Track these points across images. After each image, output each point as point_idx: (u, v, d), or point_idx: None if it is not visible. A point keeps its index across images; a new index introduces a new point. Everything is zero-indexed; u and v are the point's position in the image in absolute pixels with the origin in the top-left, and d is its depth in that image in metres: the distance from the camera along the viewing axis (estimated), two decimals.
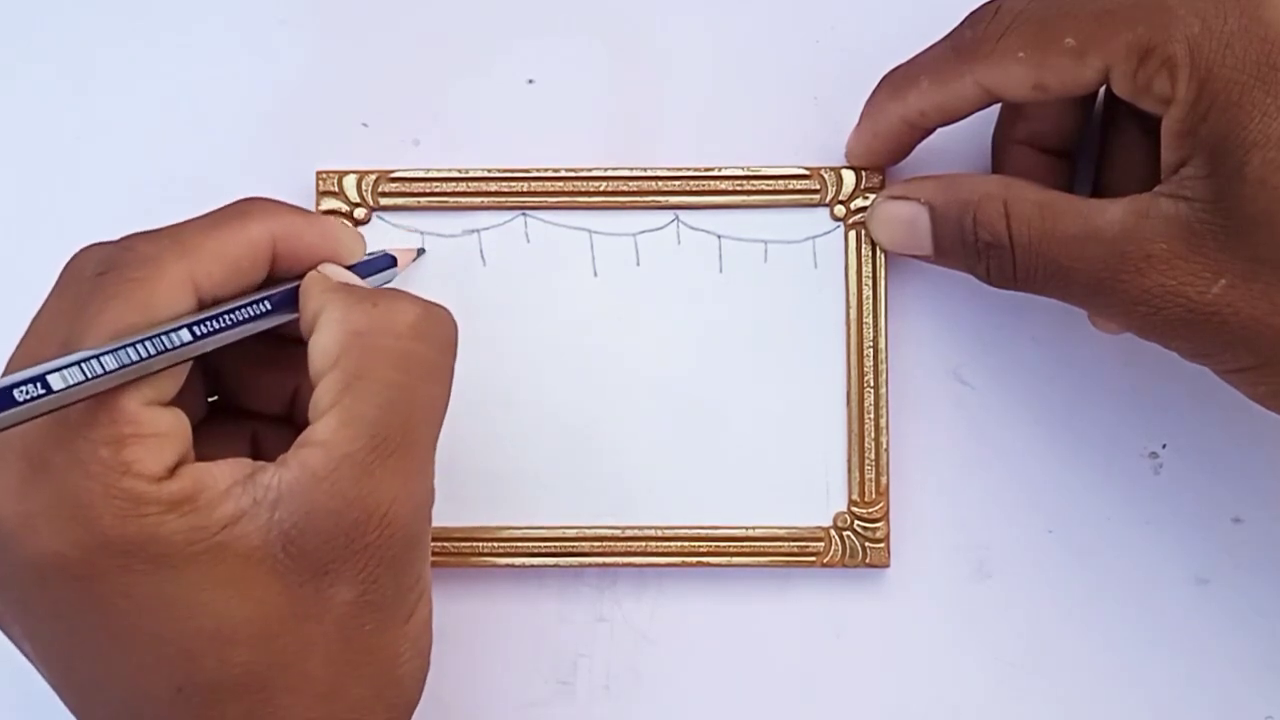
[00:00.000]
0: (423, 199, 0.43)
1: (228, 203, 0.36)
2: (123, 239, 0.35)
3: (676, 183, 0.43)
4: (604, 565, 0.43)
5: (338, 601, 0.33)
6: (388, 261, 0.40)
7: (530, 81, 0.44)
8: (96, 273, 0.33)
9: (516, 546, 0.43)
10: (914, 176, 0.42)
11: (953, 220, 0.39)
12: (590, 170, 0.43)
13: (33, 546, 0.32)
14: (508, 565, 0.43)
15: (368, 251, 0.40)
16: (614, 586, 0.43)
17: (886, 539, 0.43)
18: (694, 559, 0.43)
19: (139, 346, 0.32)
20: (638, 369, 0.43)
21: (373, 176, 0.43)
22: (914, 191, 0.41)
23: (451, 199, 0.43)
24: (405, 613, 0.35)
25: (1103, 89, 0.38)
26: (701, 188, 0.43)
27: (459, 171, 0.43)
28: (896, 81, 0.40)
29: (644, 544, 0.43)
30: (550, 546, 0.43)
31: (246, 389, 0.39)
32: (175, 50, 0.44)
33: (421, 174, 0.43)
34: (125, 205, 0.44)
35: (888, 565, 0.43)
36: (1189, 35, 0.35)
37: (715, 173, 0.43)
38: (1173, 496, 0.43)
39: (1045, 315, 0.43)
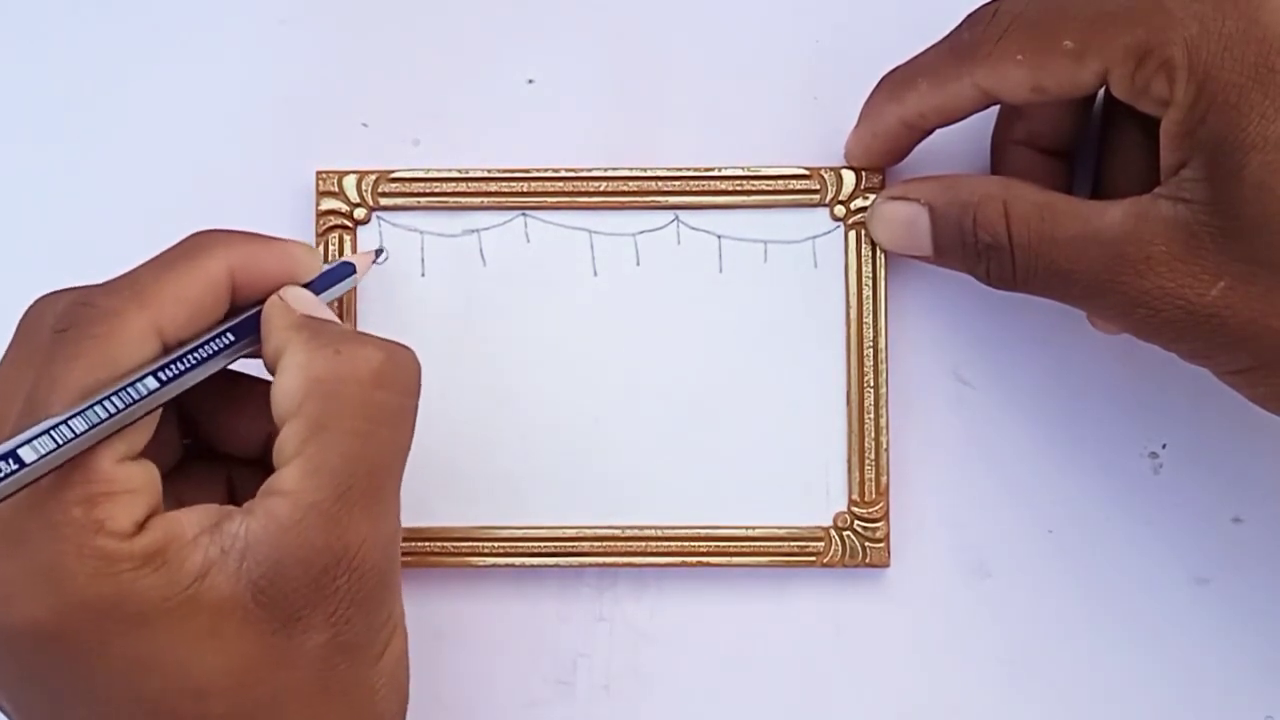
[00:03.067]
0: (423, 199, 0.43)
1: (179, 240, 0.36)
2: (80, 292, 0.34)
3: (676, 183, 0.43)
4: (604, 565, 0.43)
5: (311, 646, 0.33)
6: (348, 270, 0.40)
7: (530, 81, 0.44)
8: (56, 329, 0.33)
9: (517, 546, 0.43)
10: (914, 177, 0.42)
11: (952, 221, 0.39)
12: (590, 170, 0.43)
13: (8, 615, 0.32)
14: (508, 565, 0.43)
15: (326, 262, 0.40)
16: (614, 586, 0.43)
17: (886, 539, 0.43)
18: (694, 559, 0.43)
19: (107, 403, 0.32)
20: (638, 369, 0.43)
21: (373, 176, 0.43)
22: (914, 192, 0.41)
23: (451, 199, 0.43)
24: (378, 650, 0.35)
25: (1102, 90, 0.38)
26: (701, 188, 0.43)
27: (459, 171, 0.43)
28: (895, 83, 0.40)
29: (644, 544, 0.43)
30: (550, 546, 0.43)
31: (221, 433, 0.39)
32: (175, 50, 0.44)
33: (421, 174, 0.43)
34: (125, 205, 0.44)
35: (888, 565, 0.43)
36: (1187, 37, 0.35)
37: (715, 173, 0.43)
38: (1173, 496, 0.43)
39: (1045, 315, 0.43)
